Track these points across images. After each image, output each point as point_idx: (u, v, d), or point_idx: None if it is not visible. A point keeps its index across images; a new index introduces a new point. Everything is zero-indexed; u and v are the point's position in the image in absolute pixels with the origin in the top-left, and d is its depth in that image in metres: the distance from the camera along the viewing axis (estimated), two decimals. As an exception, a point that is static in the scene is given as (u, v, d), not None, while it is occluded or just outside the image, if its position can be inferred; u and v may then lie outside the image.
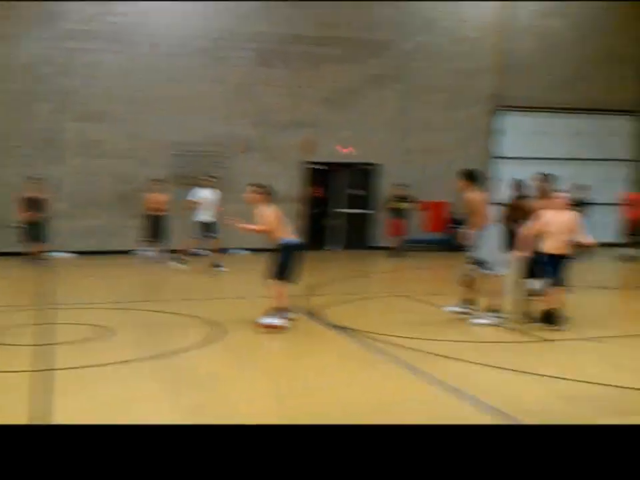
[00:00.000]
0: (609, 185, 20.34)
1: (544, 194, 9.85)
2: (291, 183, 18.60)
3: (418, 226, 19.20)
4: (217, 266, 14.27)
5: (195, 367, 7.06)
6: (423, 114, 19.69)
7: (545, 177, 10.56)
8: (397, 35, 19.39)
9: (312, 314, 9.75)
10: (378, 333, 8.47)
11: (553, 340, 8.32)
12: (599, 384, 6.42)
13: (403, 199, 17.99)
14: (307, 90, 18.85)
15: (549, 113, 20.46)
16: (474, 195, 9.45)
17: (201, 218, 14.73)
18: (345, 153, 19.16)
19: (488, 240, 9.19)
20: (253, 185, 9.27)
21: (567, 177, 19.90)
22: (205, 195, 14.84)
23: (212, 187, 15.01)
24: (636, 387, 6.35)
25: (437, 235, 19.51)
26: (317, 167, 19.25)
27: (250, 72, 18.41)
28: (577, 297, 11.69)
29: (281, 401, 6.04)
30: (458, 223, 19.74)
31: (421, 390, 6.35)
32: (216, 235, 14.61)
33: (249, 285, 11.92)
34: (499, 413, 5.54)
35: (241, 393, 6.19)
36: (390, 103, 19.52)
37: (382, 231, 18.79)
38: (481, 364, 7.19)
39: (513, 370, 6.96)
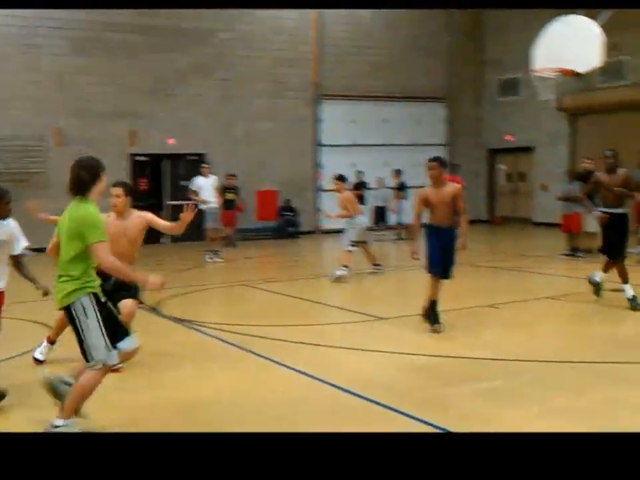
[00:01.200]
0: (423, 169, 21.57)
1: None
2: (115, 176, 17.92)
3: (249, 215, 19.36)
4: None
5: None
6: (246, 103, 19.80)
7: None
8: (218, 23, 19.30)
9: (152, 308, 9.58)
10: (220, 323, 8.51)
11: (388, 318, 8.73)
12: (437, 356, 6.89)
13: (232, 189, 18.00)
14: (128, 79, 18.30)
15: (363, 101, 21.29)
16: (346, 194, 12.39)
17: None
18: (170, 143, 18.88)
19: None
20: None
21: (383, 162, 21.04)
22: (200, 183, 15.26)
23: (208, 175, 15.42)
24: (472, 356, 6.85)
25: (268, 223, 19.83)
26: (142, 158, 18.80)
27: (65, 60, 17.57)
28: (408, 275, 12.43)
29: (129, 397, 5.85)
30: (288, 210, 20.20)
31: (273, 375, 6.47)
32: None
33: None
34: (353, 393, 5.77)
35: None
36: (213, 92, 19.43)
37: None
38: (325, 345, 7.44)
39: (356, 349, 7.26)
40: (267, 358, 6.93)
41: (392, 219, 19.14)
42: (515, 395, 5.65)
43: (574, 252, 14.03)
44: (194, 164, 19.51)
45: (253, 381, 6.35)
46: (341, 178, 12.71)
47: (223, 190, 18.13)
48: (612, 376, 6.14)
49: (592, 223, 14.03)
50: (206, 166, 15.60)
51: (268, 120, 20.07)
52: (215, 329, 8.27)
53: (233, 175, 18.02)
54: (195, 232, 19.01)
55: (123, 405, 5.55)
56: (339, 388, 5.88)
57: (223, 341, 7.74)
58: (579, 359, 6.65)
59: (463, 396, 5.66)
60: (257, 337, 7.76)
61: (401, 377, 6.29)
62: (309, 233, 20.35)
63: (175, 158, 19.33)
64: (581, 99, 19.54)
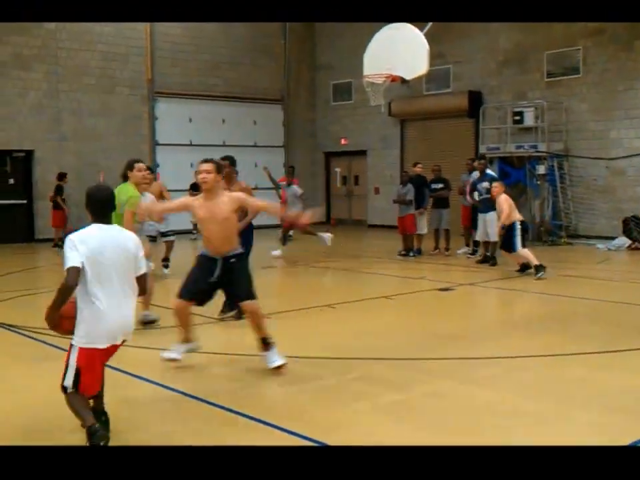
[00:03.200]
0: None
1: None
2: None
3: (82, 216, 18.57)
4: None
5: None
6: (76, 97, 19.02)
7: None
8: (43, 14, 18.42)
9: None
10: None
11: (218, 319, 8.68)
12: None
13: (61, 189, 17.28)
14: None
15: (201, 100, 21.12)
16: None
17: None
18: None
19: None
20: None
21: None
22: None
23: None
24: (306, 355, 6.98)
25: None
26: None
27: None
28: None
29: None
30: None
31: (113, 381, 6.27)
32: None
33: None
34: (184, 393, 5.72)
35: None
36: (39, 86, 18.49)
37: (46, 222, 17.81)
38: (152, 348, 7.31)
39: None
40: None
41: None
42: (345, 392, 5.82)
43: (408, 252, 14.70)
44: (20, 161, 18.53)
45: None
46: None
47: (59, 190, 17.37)
48: (437, 372, 6.47)
49: (423, 224, 14.85)
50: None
51: (100, 116, 19.39)
52: (42, 333, 7.89)
53: (64, 174, 17.33)
54: (22, 232, 18.20)
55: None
56: (175, 391, 5.81)
57: (51, 345, 7.40)
58: (407, 355, 6.95)
59: (295, 394, 5.77)
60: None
61: (236, 376, 6.30)
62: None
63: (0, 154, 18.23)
64: (409, 104, 20.47)
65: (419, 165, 15.27)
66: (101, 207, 4.61)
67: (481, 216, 13.26)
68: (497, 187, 12.24)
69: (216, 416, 5.26)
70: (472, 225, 14.35)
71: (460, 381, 6.11)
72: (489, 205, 12.77)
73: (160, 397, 5.78)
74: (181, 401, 5.63)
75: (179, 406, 5.54)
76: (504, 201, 11.85)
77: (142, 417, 5.32)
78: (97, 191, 4.68)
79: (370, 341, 7.64)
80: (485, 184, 13.10)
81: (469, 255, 14.51)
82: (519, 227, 11.68)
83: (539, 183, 17.06)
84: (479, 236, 13.56)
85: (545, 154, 17.12)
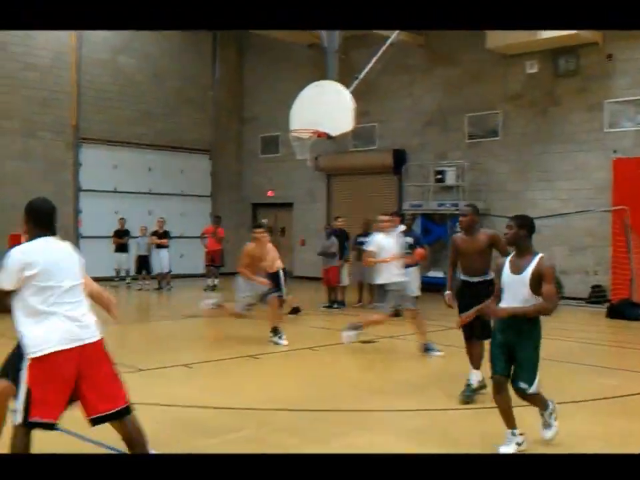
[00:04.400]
0: (189, 218, 21.66)
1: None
2: None
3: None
4: None
5: None
6: (-2, 141, 18.65)
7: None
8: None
9: None
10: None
11: (146, 369, 8.57)
12: (192, 406, 6.87)
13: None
14: None
15: (127, 148, 20.99)
16: None
17: None
18: None
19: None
20: None
21: (148, 211, 20.82)
22: None
23: None
24: (228, 406, 6.92)
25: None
26: None
27: None
28: (167, 327, 12.29)
29: None
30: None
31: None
32: None
33: None
34: (108, 447, 5.57)
35: None
36: (-41, 127, 18.09)
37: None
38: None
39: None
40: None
41: (155, 267, 18.89)
42: (264, 444, 5.78)
43: (332, 304, 14.82)
44: None
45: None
46: None
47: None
48: (357, 423, 6.50)
49: (345, 277, 15.04)
50: None
51: (21, 160, 19.02)
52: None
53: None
54: None
55: None
56: (88, 440, 5.64)
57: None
58: (329, 407, 6.97)
59: (216, 445, 5.70)
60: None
61: (157, 429, 6.18)
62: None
63: None
64: (335, 160, 20.86)
65: (340, 219, 15.70)
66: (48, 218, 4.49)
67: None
68: None
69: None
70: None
71: (379, 432, 6.15)
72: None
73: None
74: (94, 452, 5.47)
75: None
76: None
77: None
78: (42, 203, 4.58)
79: (293, 392, 7.63)
80: (409, 240, 13.37)
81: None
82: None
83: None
84: None
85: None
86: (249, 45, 23.38)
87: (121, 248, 18.94)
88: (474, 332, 7.20)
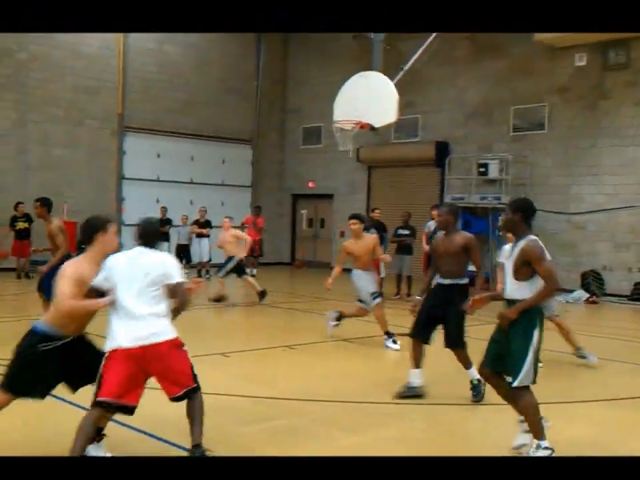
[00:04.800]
0: (229, 208, 21.72)
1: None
2: None
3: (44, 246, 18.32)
4: None
5: None
6: (44, 128, 18.93)
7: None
8: (12, 42, 18.35)
9: None
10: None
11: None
12: (228, 395, 6.89)
13: (25, 217, 17.10)
14: None
15: (171, 137, 21.15)
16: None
17: None
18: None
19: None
20: None
21: (189, 200, 20.98)
22: None
23: None
24: (265, 395, 6.93)
25: (68, 255, 18.76)
26: None
27: None
28: (204, 314, 12.39)
29: None
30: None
31: (61, 415, 6.16)
32: None
33: None
34: (148, 434, 5.62)
35: None
36: (6, 114, 18.39)
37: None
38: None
39: (153, 388, 7.08)
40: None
41: (195, 256, 19.01)
42: (302, 434, 5.77)
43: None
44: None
45: (39, 418, 5.98)
46: None
47: (13, 220, 17.24)
48: (391, 415, 6.45)
49: (382, 269, 14.94)
50: None
51: (68, 147, 19.31)
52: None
53: (21, 203, 17.18)
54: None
55: None
56: (129, 427, 5.69)
57: None
58: (364, 399, 6.93)
59: (253, 434, 5.71)
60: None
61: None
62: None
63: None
64: (377, 151, 20.74)
65: (377, 211, 15.60)
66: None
67: None
68: None
69: (165, 453, 5.17)
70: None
71: (416, 423, 6.10)
72: None
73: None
74: (132, 439, 5.52)
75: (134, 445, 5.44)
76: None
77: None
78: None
79: (329, 383, 7.60)
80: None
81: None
82: None
83: (500, 234, 17.31)
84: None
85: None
86: (293, 35, 23.35)
87: (162, 236, 19.07)
88: (445, 337, 6.97)
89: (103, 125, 20.01)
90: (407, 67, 14.98)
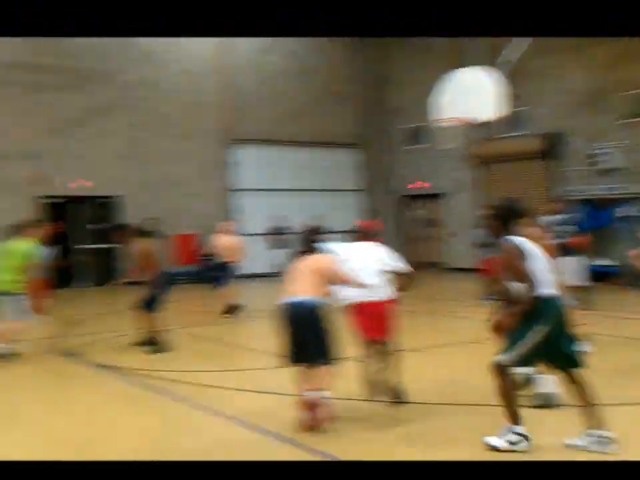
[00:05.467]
0: (339, 213, 21.83)
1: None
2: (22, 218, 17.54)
3: (169, 259, 19.12)
4: None
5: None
6: (157, 145, 19.68)
7: None
8: (126, 65, 19.23)
9: (71, 354, 9.34)
10: (145, 369, 8.33)
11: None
12: (365, 400, 6.94)
13: (149, 232, 17.77)
14: (34, 119, 17.93)
15: (278, 146, 21.54)
16: None
17: None
18: (77, 186, 18.50)
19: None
20: None
21: (299, 207, 21.28)
22: None
23: None
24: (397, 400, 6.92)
25: (188, 268, 19.35)
26: (50, 200, 18.33)
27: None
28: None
29: (53, 449, 5.65)
30: (207, 254, 19.86)
31: (198, 420, 6.40)
32: None
33: None
34: (281, 437, 5.76)
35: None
36: (120, 134, 19.22)
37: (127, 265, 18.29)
38: (249, 390, 7.40)
39: (279, 394, 7.25)
40: (190, 402, 6.86)
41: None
42: (445, 438, 5.73)
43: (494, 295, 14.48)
44: (102, 207, 19.21)
45: (176, 425, 6.25)
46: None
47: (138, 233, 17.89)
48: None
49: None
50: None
51: (182, 163, 20.00)
52: (137, 374, 8.11)
53: (153, 219, 17.88)
54: (106, 275, 18.74)
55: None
56: (267, 432, 5.86)
57: (145, 385, 7.60)
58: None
59: (392, 441, 5.72)
60: (179, 381, 7.68)
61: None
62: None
63: (82, 201, 18.95)
64: (484, 147, 20.36)
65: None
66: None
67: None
68: None
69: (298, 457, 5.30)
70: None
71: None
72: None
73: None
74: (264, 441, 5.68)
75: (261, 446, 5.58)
76: None
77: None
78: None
79: (460, 386, 7.53)
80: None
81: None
82: None
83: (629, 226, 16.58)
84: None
85: (634, 195, 16.65)
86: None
87: (277, 244, 19.53)
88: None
89: (214, 138, 20.63)
90: (511, 59, 14.67)
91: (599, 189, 17.12)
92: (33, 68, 17.92)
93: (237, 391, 7.39)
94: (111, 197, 19.14)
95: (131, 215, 18.78)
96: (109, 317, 13.59)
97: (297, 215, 20.44)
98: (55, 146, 18.19)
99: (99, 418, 6.53)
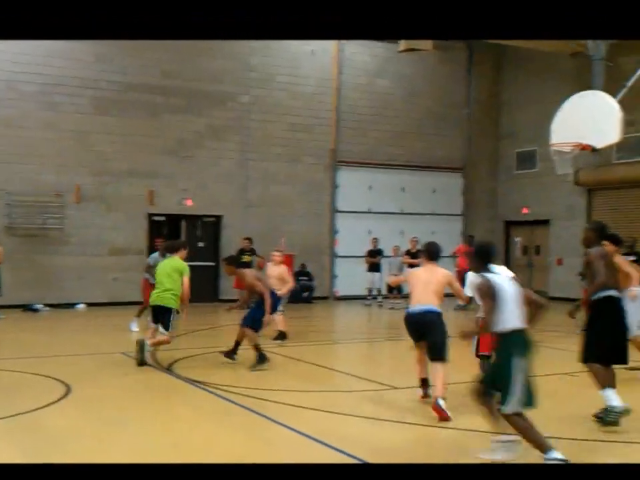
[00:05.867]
0: (440, 238, 21.43)
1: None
2: (133, 235, 18.24)
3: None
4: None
5: (52, 426, 6.65)
6: (263, 166, 19.97)
7: None
8: (236, 87, 19.64)
9: (166, 368, 9.50)
10: (235, 386, 8.37)
11: (401, 387, 8.58)
12: (453, 428, 6.71)
13: (248, 251, 18.10)
14: (148, 139, 18.57)
15: (382, 168, 21.42)
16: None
17: None
18: (188, 205, 19.05)
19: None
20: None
21: (399, 231, 21.06)
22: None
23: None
24: (472, 428, 6.65)
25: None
26: (160, 218, 18.94)
27: (85, 119, 17.83)
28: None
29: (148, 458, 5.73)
30: (304, 274, 20.03)
31: (290, 442, 6.33)
32: None
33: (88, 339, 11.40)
34: (367, 462, 5.61)
35: (100, 452, 5.83)
36: (231, 155, 19.63)
37: (230, 284, 18.61)
38: (339, 413, 7.29)
39: (369, 418, 7.10)
40: (278, 422, 6.80)
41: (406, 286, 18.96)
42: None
43: None
44: (210, 225, 19.67)
45: (263, 444, 6.20)
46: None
47: (240, 253, 18.26)
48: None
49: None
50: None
51: (284, 184, 20.22)
52: (228, 391, 8.15)
53: (248, 238, 18.16)
54: (208, 293, 19.15)
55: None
56: (351, 456, 5.72)
57: (235, 403, 7.61)
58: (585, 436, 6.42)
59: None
60: (270, 401, 7.64)
61: (413, 448, 6.13)
62: (323, 298, 20.20)
63: (192, 219, 19.45)
64: (598, 173, 19.59)
65: None
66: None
67: None
68: None
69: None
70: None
71: None
72: None
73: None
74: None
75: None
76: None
77: None
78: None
79: (565, 419, 7.17)
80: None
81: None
82: None
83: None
84: None
85: None
86: (506, 59, 22.89)
87: (374, 267, 19.33)
88: None
89: (318, 160, 20.75)
90: (630, 83, 14.06)
91: None
92: (153, 89, 18.52)
93: (322, 412, 7.28)
94: (216, 215, 19.55)
95: (233, 234, 19.19)
96: (205, 332, 13.80)
97: (398, 239, 20.25)
98: (170, 165, 18.74)
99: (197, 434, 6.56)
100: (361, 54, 21.17)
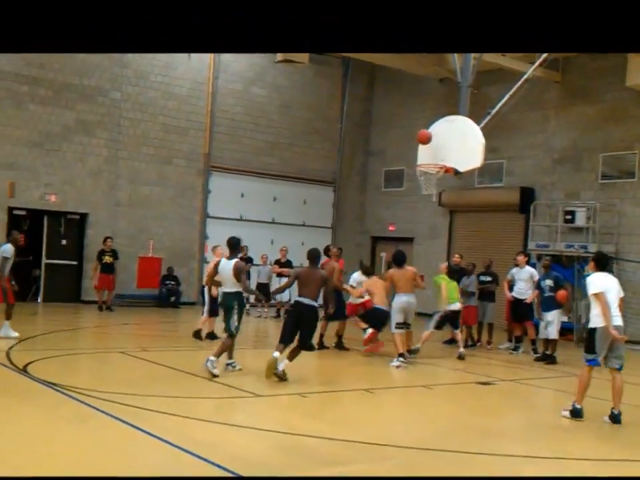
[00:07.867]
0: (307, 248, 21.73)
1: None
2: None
3: (129, 281, 18.97)
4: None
5: None
6: (133, 165, 19.52)
7: None
8: (107, 83, 19.11)
9: (18, 369, 9.08)
10: (91, 390, 8.11)
11: (263, 395, 8.66)
12: (305, 435, 6.83)
13: (109, 252, 17.70)
14: (11, 130, 17.72)
15: (254, 177, 21.47)
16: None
17: None
18: (51, 200, 18.30)
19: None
20: None
21: (270, 240, 21.19)
22: None
23: None
24: (337, 437, 6.82)
25: (149, 291, 19.29)
26: (20, 212, 18.09)
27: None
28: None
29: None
30: (171, 278, 19.73)
31: (144, 447, 6.21)
32: None
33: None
34: (224, 469, 5.61)
35: None
36: (99, 152, 19.04)
37: (91, 284, 18.04)
38: (198, 419, 7.24)
39: (229, 425, 7.11)
40: (133, 426, 6.66)
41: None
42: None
43: (474, 343, 14.66)
44: (75, 223, 18.98)
45: (116, 449, 6.06)
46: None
47: (100, 253, 17.82)
48: (470, 466, 6.25)
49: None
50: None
51: (155, 185, 19.85)
52: (83, 394, 7.89)
53: (110, 238, 17.79)
54: (71, 293, 18.47)
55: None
56: (209, 462, 5.70)
57: (90, 406, 7.39)
58: (442, 447, 6.73)
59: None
60: (126, 405, 7.47)
61: (271, 455, 6.18)
62: (190, 303, 19.94)
63: (56, 215, 18.69)
64: (460, 196, 20.53)
65: (456, 256, 15.51)
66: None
67: (543, 314, 13.08)
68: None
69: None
70: (513, 319, 14.28)
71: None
72: (552, 303, 12.74)
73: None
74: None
75: None
76: None
77: None
78: None
79: (404, 428, 7.46)
80: (549, 282, 13.04)
81: (511, 351, 14.25)
82: None
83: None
84: (540, 334, 13.33)
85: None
86: (379, 78, 23.56)
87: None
88: None
89: (190, 164, 20.53)
90: (494, 112, 14.82)
91: (566, 246, 17.26)
92: (18, 78, 17.70)
93: (185, 419, 7.20)
94: (81, 213, 18.92)
95: (98, 233, 18.61)
96: (62, 334, 13.32)
97: (268, 248, 20.37)
98: (34, 158, 17.96)
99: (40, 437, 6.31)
100: (237, 62, 21.17)
